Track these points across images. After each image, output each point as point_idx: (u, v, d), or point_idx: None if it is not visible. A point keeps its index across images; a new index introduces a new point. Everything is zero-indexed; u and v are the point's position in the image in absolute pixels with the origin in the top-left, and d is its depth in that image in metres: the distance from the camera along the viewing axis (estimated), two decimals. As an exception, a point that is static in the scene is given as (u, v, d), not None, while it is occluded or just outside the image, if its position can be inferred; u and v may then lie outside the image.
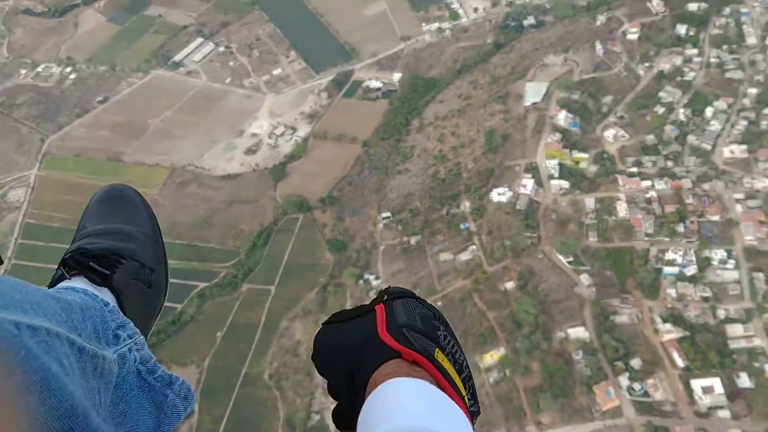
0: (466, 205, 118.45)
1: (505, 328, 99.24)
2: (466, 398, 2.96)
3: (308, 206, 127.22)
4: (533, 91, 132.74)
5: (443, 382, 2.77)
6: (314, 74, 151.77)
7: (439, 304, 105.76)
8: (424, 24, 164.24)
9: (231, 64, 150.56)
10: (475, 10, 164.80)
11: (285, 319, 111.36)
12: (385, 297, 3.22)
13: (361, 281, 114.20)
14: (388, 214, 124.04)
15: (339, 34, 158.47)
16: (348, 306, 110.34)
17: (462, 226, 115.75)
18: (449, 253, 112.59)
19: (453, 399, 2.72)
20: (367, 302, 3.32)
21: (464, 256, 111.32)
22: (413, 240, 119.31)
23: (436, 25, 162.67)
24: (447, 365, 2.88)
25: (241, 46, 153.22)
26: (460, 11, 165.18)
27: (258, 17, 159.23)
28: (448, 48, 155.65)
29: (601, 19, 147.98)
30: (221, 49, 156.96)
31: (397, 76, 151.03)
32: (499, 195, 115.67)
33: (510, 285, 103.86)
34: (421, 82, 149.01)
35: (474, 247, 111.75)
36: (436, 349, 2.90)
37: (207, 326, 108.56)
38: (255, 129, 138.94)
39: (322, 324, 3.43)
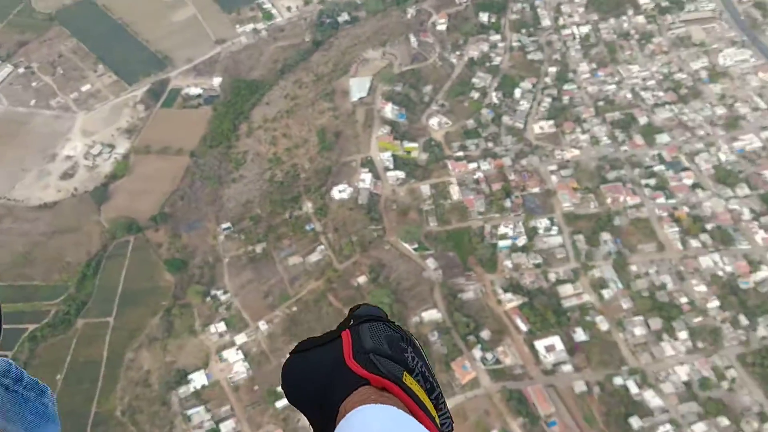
0: (308, 206, 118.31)
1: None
2: (437, 419, 3.11)
3: (138, 227, 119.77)
4: (358, 87, 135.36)
5: (412, 406, 2.87)
6: (127, 86, 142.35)
7: (294, 308, 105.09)
8: (238, 26, 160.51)
9: (34, 84, 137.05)
10: (288, 9, 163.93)
11: (130, 351, 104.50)
12: (352, 321, 3.29)
13: (208, 298, 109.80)
14: (228, 224, 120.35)
15: (149, 43, 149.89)
16: (197, 326, 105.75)
17: (307, 228, 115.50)
18: (298, 257, 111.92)
19: (423, 421, 2.90)
20: (333, 328, 3.41)
21: (314, 257, 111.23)
22: (259, 248, 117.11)
23: (251, 26, 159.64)
24: (416, 388, 3.00)
25: (42, 64, 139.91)
26: (273, 11, 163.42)
27: (58, 33, 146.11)
28: (267, 48, 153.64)
29: (411, 11, 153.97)
30: (21, 70, 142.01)
31: (217, 80, 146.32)
32: (339, 192, 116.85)
33: (362, 279, 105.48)
34: (243, 85, 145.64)
35: (322, 246, 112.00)
36: (404, 373, 3.03)
37: (44, 370, 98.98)
38: (69, 151, 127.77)
39: (289, 353, 3.46)
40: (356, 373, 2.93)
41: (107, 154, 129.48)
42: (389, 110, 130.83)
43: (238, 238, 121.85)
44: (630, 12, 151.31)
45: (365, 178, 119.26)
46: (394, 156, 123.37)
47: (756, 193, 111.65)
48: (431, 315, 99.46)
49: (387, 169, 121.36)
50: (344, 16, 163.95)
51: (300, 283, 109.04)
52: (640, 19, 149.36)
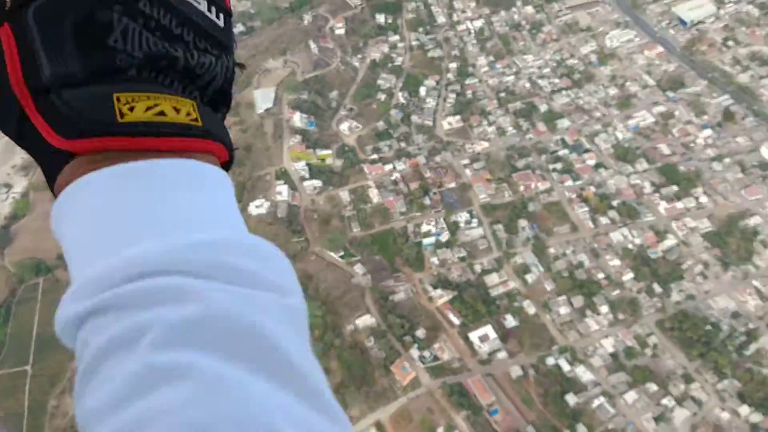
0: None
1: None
2: (198, 118, 1.91)
3: (47, 267, 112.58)
4: (263, 98, 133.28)
5: (145, 144, 1.68)
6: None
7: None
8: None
9: None
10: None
11: (52, 398, 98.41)
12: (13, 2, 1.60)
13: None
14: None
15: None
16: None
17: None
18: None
19: (174, 145, 1.74)
20: None
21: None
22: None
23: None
24: (146, 103, 1.69)
25: None
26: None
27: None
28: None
29: (307, 18, 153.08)
30: None
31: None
32: (257, 208, 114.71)
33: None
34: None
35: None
36: (118, 96, 1.65)
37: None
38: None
39: None
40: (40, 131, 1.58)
41: (4, 194, 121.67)
42: (298, 119, 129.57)
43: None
44: (519, 3, 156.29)
45: (282, 191, 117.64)
46: (308, 165, 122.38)
47: (654, 167, 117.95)
48: (365, 321, 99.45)
49: (303, 179, 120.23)
50: (239, 27, 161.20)
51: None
52: (529, 9, 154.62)
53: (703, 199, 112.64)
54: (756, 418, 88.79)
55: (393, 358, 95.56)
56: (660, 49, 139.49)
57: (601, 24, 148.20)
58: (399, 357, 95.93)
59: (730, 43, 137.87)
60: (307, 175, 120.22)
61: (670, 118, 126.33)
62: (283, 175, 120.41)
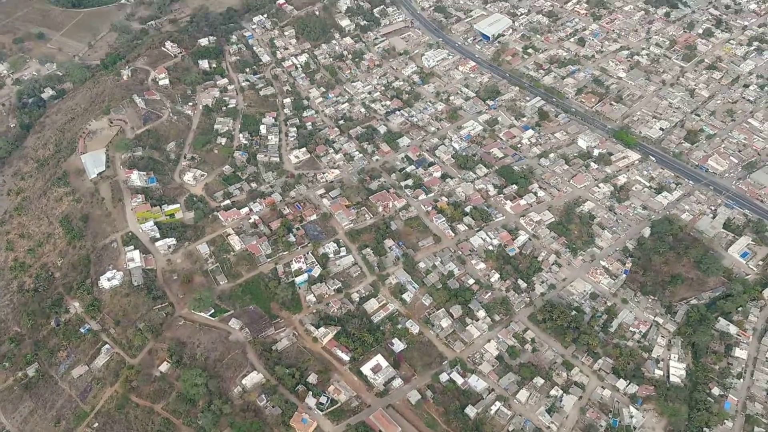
0: (76, 306, 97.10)
1: (179, 413, 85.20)
2: None
3: None
4: (93, 162, 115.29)
5: None
6: None
7: (96, 424, 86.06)
8: None
9: None
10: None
11: None
12: None
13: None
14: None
15: None
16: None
17: (83, 330, 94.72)
18: (82, 366, 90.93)
19: None
20: None
21: (101, 360, 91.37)
22: (31, 371, 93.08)
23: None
24: None
25: None
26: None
27: None
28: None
29: (125, 73, 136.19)
30: None
31: None
32: (109, 280, 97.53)
33: (164, 367, 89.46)
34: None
35: (107, 346, 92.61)
36: None
37: None
38: None
39: None
40: None
41: None
42: (136, 177, 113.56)
43: (2, 367, 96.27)
44: (337, 35, 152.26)
45: (133, 257, 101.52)
46: (157, 224, 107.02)
47: (492, 171, 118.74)
48: (252, 378, 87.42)
49: (154, 239, 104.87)
50: (49, 92, 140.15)
51: (93, 394, 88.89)
52: (348, 40, 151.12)
53: (541, 194, 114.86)
54: (632, 389, 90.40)
55: (290, 413, 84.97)
56: (472, 63, 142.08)
57: (416, 47, 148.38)
58: (296, 410, 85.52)
59: (530, 50, 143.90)
60: (157, 235, 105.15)
61: (495, 124, 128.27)
62: (132, 240, 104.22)
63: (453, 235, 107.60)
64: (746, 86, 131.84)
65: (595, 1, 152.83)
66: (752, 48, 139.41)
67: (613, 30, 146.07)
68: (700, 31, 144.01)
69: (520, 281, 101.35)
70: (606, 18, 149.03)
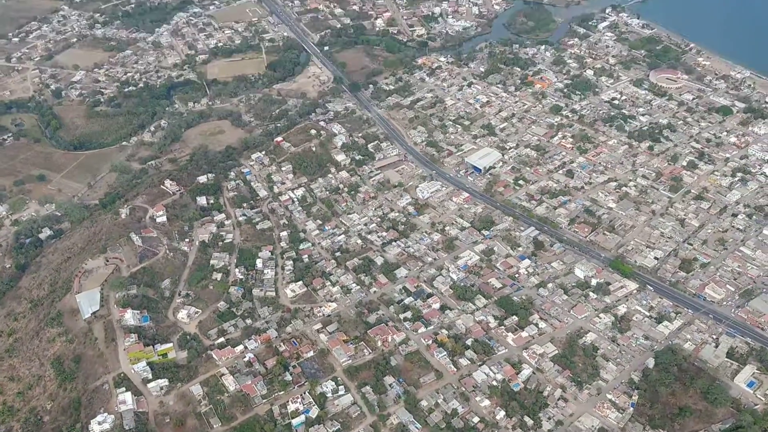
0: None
1: None
2: None
3: None
4: (87, 301, 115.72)
5: None
6: None
7: None
8: None
9: None
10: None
11: None
12: None
13: None
14: None
15: None
16: None
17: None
18: None
19: None
20: None
21: None
22: None
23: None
24: None
25: None
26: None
27: None
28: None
29: (124, 211, 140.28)
30: None
31: None
32: (99, 424, 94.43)
33: None
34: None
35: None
36: None
37: None
38: None
39: None
40: None
41: None
42: (130, 317, 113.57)
43: None
44: (333, 170, 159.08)
45: (125, 399, 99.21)
46: (150, 364, 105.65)
47: (492, 302, 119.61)
48: None
49: (146, 380, 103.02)
50: (46, 232, 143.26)
51: None
52: (344, 173, 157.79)
53: (542, 325, 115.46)
54: None
55: None
56: (465, 194, 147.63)
57: (409, 179, 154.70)
58: None
59: (521, 182, 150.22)
60: (150, 376, 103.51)
61: (491, 254, 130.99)
62: (124, 381, 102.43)
63: (455, 370, 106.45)
64: (735, 215, 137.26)
65: (580, 136, 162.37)
66: (736, 179, 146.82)
67: (600, 162, 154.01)
68: (684, 163, 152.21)
69: (526, 418, 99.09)
70: (592, 151, 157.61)
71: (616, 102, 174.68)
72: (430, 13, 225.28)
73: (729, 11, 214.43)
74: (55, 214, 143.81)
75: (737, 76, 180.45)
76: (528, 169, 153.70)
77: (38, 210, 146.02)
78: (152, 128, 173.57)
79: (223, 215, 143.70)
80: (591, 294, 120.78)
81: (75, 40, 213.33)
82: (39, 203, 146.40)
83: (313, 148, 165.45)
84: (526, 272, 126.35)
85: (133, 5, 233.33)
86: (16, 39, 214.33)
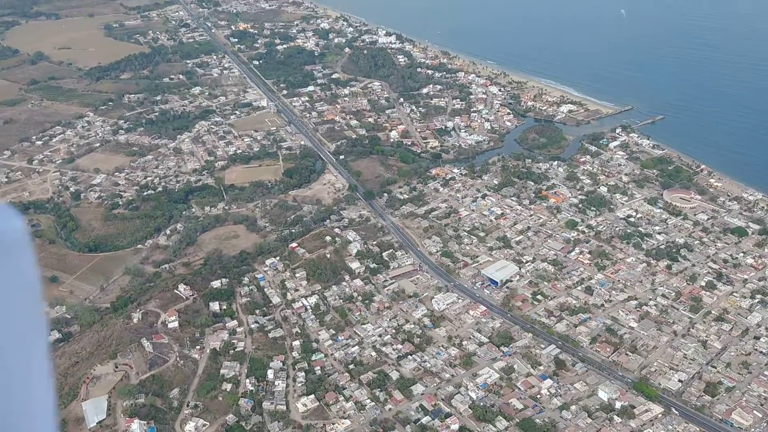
0: None
1: None
2: None
3: None
4: (94, 409, 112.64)
5: None
6: None
7: None
8: None
9: None
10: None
11: None
12: None
13: None
14: None
15: None
16: None
17: None
18: None
19: None
20: None
21: None
22: None
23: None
24: None
25: None
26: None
27: None
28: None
29: (136, 316, 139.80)
30: None
31: None
32: None
33: None
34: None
35: None
36: None
37: None
38: None
39: None
40: None
41: None
42: (137, 427, 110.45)
43: None
44: (347, 277, 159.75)
45: None
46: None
47: (513, 424, 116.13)
48: None
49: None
50: (55, 335, 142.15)
51: None
52: (358, 282, 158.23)
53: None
54: None
55: None
56: (482, 308, 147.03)
57: (425, 289, 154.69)
58: None
59: (539, 297, 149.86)
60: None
61: (511, 372, 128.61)
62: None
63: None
64: (757, 338, 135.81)
65: (598, 252, 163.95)
66: (756, 300, 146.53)
67: (619, 280, 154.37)
68: (703, 283, 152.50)
69: None
70: (610, 268, 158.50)
71: (632, 219, 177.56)
72: (444, 127, 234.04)
73: (738, 134, 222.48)
74: (65, 317, 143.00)
75: (750, 198, 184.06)
76: (546, 283, 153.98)
77: (48, 312, 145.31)
78: (168, 231, 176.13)
79: (235, 322, 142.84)
80: (616, 418, 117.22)
81: (98, 144, 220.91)
82: (49, 305, 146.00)
83: (328, 255, 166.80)
84: (548, 393, 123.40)
85: (157, 113, 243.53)
86: (40, 142, 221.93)
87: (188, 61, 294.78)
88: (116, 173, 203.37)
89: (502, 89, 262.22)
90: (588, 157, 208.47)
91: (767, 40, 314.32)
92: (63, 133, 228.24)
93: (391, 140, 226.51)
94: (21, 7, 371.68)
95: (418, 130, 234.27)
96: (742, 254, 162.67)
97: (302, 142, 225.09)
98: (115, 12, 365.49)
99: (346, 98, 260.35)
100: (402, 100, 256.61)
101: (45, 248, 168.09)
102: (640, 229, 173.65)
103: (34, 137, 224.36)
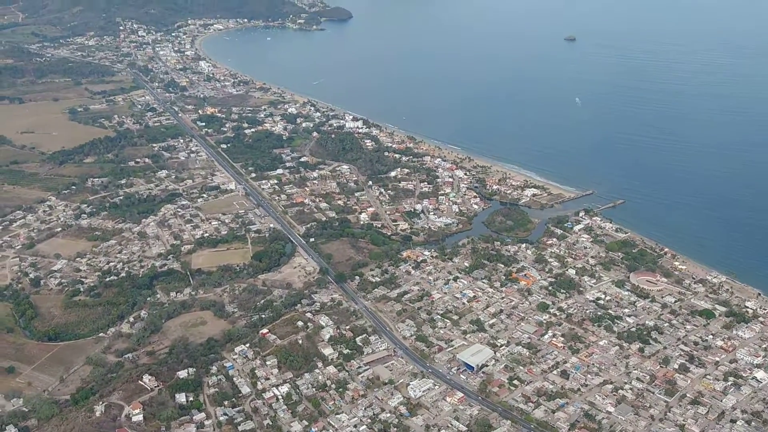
0: None
1: None
2: None
3: None
4: None
5: None
6: None
7: None
8: None
9: None
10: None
11: None
12: None
13: None
14: None
15: None
16: None
17: None
18: None
19: None
20: None
21: None
22: None
23: None
24: None
25: None
26: None
27: None
28: None
29: (99, 409, 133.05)
30: None
31: None
32: None
33: None
34: None
35: None
36: None
37: None
38: None
39: None
40: None
41: None
42: None
43: None
44: (320, 364, 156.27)
45: None
46: None
47: None
48: None
49: None
50: (11, 430, 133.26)
51: None
52: (331, 369, 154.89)
53: None
54: None
55: None
56: (459, 394, 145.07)
57: (400, 376, 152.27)
58: None
59: (516, 382, 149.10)
60: None
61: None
62: None
63: None
64: (734, 421, 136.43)
65: (570, 334, 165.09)
66: (729, 383, 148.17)
67: (593, 363, 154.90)
68: (676, 366, 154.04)
69: None
70: (584, 351, 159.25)
71: (601, 302, 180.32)
72: (413, 209, 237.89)
73: (696, 218, 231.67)
74: (22, 410, 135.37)
75: (714, 281, 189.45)
76: (521, 368, 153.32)
77: (4, 405, 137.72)
78: (131, 319, 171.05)
79: (203, 414, 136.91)
80: None
81: (59, 229, 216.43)
82: (5, 398, 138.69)
83: (300, 341, 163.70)
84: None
85: (121, 197, 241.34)
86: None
87: (155, 145, 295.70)
88: (78, 259, 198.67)
89: (468, 173, 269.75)
90: (554, 239, 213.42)
91: (715, 126, 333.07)
92: (23, 218, 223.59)
93: (361, 222, 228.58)
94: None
95: (388, 212, 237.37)
96: (711, 336, 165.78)
97: (271, 225, 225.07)
98: (80, 96, 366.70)
99: (315, 181, 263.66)
100: (371, 183, 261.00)
101: (2, 337, 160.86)
102: (610, 311, 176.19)
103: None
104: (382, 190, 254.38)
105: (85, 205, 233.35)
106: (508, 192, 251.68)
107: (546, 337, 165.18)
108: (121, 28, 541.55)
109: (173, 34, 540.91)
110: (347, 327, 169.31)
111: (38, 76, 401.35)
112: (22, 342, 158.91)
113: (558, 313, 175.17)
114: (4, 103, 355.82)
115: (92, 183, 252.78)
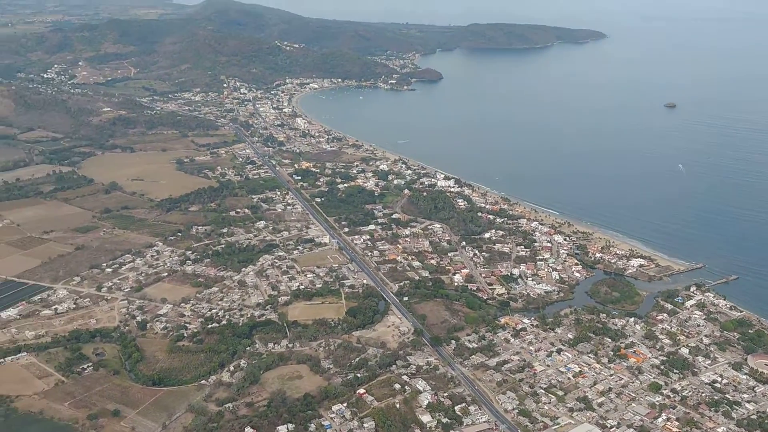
0: None
1: None
2: None
3: None
4: None
5: None
6: None
7: None
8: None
9: None
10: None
11: None
12: None
13: None
14: None
15: None
16: None
17: None
18: None
19: None
20: None
21: None
22: None
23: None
24: None
25: None
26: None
27: None
28: None
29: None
30: None
31: None
32: None
33: None
34: None
35: None
36: None
37: None
38: None
39: None
40: None
41: None
42: None
43: None
44: (417, 431, 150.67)
45: None
46: None
47: None
48: None
49: None
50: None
51: None
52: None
53: None
54: None
55: None
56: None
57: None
58: None
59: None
60: None
61: None
62: None
63: None
64: None
65: (686, 419, 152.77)
66: None
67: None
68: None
69: None
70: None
71: (717, 385, 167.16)
72: (509, 273, 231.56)
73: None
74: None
75: None
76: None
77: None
78: (231, 368, 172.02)
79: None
80: None
81: (165, 274, 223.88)
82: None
83: (397, 405, 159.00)
84: None
85: (223, 245, 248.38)
86: (110, 270, 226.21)
87: (254, 196, 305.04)
88: (182, 304, 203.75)
89: (567, 239, 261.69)
90: (665, 315, 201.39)
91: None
92: (132, 262, 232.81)
93: (455, 284, 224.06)
94: (98, 140, 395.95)
95: (483, 275, 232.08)
96: None
97: (365, 281, 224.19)
98: (186, 148, 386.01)
99: (407, 238, 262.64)
100: (464, 243, 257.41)
101: (109, 379, 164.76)
102: (727, 395, 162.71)
103: (104, 264, 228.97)
104: (476, 251, 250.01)
105: (190, 252, 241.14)
106: (612, 261, 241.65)
107: (660, 420, 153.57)
108: (225, 85, 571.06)
109: (272, 92, 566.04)
110: (445, 394, 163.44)
111: (148, 127, 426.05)
112: (128, 385, 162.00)
113: (671, 395, 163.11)
114: (117, 151, 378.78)
115: (196, 230, 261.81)
